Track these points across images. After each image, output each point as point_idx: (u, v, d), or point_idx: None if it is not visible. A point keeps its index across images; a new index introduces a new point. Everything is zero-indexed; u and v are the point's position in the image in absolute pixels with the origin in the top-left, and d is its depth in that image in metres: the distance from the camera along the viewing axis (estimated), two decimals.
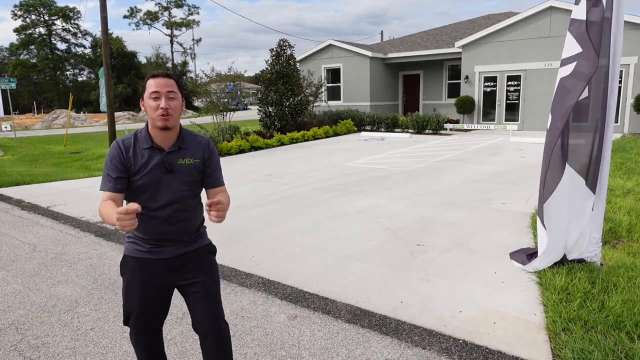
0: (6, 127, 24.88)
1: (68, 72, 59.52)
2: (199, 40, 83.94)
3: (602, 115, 3.66)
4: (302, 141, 15.27)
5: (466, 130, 17.44)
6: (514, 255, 4.31)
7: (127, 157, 2.05)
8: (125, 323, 2.23)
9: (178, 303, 3.57)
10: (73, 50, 58.57)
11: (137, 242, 2.16)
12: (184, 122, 28.86)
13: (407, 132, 17.42)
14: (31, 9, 54.59)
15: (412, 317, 3.28)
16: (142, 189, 2.06)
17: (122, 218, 1.70)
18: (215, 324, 2.17)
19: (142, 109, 2.08)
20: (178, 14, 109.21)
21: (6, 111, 23.81)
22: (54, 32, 56.90)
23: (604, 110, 3.65)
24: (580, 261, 3.96)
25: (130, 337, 2.27)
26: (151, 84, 2.02)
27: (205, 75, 14.83)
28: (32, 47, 56.18)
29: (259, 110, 16.11)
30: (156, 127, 2.04)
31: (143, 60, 53.81)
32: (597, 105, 3.67)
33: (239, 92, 14.93)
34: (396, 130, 18.05)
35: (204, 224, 2.34)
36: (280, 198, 7.10)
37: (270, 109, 15.75)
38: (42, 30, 56.25)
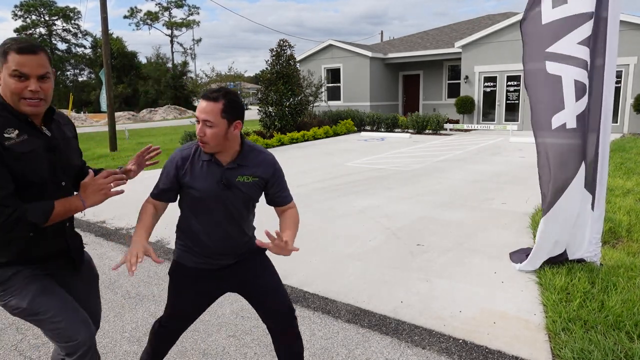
0: None
1: (68, 72, 59.48)
2: (199, 40, 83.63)
3: (599, 115, 3.66)
4: (302, 141, 15.27)
5: (466, 131, 17.45)
6: (514, 255, 4.31)
7: (184, 168, 2.03)
8: (163, 321, 2.27)
9: None
10: (73, 50, 58.56)
11: (189, 252, 2.15)
12: (184, 122, 28.75)
13: (407, 132, 17.42)
14: (31, 9, 54.57)
15: (412, 317, 3.29)
16: (199, 203, 2.05)
17: (131, 260, 1.77)
18: (289, 316, 2.23)
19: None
20: (178, 14, 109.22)
21: None
22: (54, 33, 56.90)
23: (601, 110, 3.65)
24: (580, 261, 3.96)
25: (153, 326, 2.31)
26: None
27: (206, 76, 14.91)
28: None
29: (259, 110, 16.12)
30: None
31: (143, 60, 53.89)
32: (595, 105, 3.67)
33: (239, 92, 14.94)
34: (396, 130, 18.06)
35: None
36: None
37: (270, 109, 15.75)
38: (43, 30, 56.23)
